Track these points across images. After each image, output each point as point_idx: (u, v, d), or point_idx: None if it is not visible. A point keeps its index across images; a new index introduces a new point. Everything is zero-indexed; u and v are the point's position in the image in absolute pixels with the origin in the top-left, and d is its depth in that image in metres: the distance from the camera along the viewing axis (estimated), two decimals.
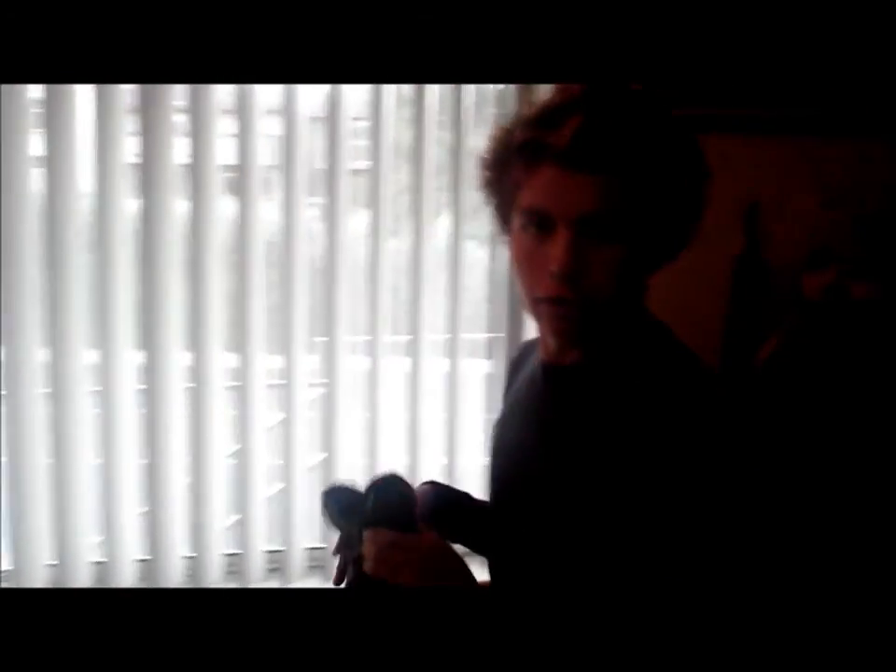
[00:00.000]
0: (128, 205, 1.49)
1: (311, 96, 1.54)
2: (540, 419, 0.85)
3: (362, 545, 0.78)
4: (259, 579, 1.64)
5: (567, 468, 0.78)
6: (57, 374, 1.49)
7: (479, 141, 1.70)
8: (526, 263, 0.77)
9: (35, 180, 1.45)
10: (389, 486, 0.84)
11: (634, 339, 0.80)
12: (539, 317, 0.79)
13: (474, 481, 1.56)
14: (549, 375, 0.85)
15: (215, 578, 1.61)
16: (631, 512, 0.71)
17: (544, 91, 1.53)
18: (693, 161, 0.77)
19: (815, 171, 1.46)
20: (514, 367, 1.01)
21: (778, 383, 1.35)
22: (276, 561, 1.67)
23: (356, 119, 1.54)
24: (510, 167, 0.77)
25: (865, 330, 1.32)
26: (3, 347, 1.46)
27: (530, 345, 0.98)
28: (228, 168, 1.53)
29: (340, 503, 0.88)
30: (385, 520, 0.79)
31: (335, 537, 0.91)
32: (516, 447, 0.88)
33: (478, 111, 1.63)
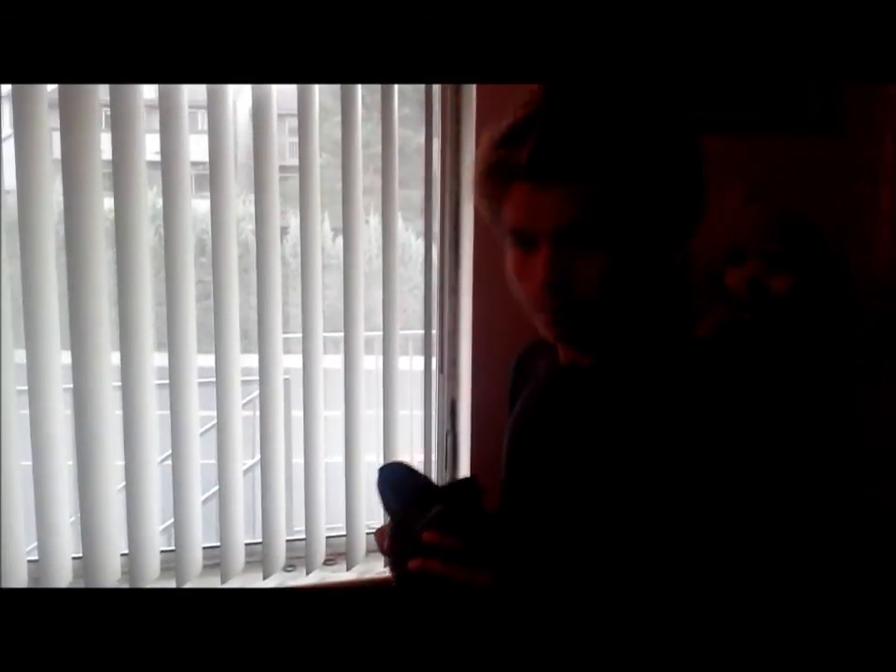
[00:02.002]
0: (55, 202, 1.47)
1: (241, 92, 1.52)
2: (560, 425, 0.85)
3: (417, 545, 0.74)
4: (196, 574, 1.65)
5: (595, 467, 0.79)
6: None
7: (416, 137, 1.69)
8: (518, 278, 0.79)
9: None
10: (466, 497, 0.78)
11: (648, 340, 0.81)
12: (540, 328, 0.81)
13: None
14: (563, 378, 0.87)
15: (153, 574, 1.62)
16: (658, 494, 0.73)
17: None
18: (671, 154, 0.75)
19: (739, 167, 1.46)
20: (518, 368, 1.02)
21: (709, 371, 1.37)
22: (213, 557, 1.68)
23: (282, 115, 1.52)
24: (490, 189, 0.79)
25: (784, 324, 1.34)
26: None
27: (531, 346, 0.99)
28: (156, 164, 1.51)
29: (394, 486, 0.82)
30: (448, 530, 0.75)
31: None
32: (539, 455, 0.87)
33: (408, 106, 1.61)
